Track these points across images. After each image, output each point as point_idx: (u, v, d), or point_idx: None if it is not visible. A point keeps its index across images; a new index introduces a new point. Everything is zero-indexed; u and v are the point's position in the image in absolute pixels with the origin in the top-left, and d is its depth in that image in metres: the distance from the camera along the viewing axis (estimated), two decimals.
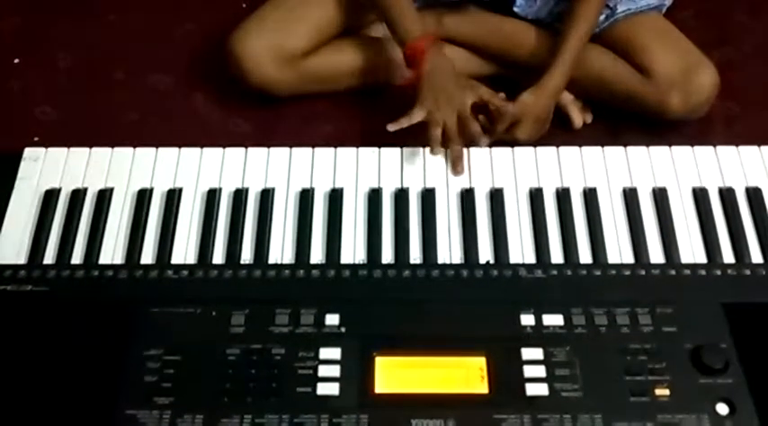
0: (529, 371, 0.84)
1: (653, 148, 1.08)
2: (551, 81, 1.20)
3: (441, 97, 1.13)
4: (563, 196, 1.02)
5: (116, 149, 1.08)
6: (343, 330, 0.87)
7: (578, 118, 1.29)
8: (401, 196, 1.03)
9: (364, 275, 0.93)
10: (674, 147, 1.08)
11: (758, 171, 1.05)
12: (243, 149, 1.08)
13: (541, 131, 1.22)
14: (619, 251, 0.98)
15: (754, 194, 1.02)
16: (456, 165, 1.06)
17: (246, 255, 0.98)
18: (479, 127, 1.11)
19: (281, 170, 1.06)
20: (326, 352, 0.86)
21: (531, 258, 0.97)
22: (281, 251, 0.98)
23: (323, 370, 0.84)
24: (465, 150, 1.08)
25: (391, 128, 1.09)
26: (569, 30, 1.21)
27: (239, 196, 1.03)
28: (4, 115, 1.33)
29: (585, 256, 0.97)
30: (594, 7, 1.21)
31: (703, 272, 0.94)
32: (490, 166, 1.07)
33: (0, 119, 1.32)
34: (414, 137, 1.11)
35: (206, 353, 0.86)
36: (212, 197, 1.03)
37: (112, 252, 0.98)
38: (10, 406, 0.83)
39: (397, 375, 0.85)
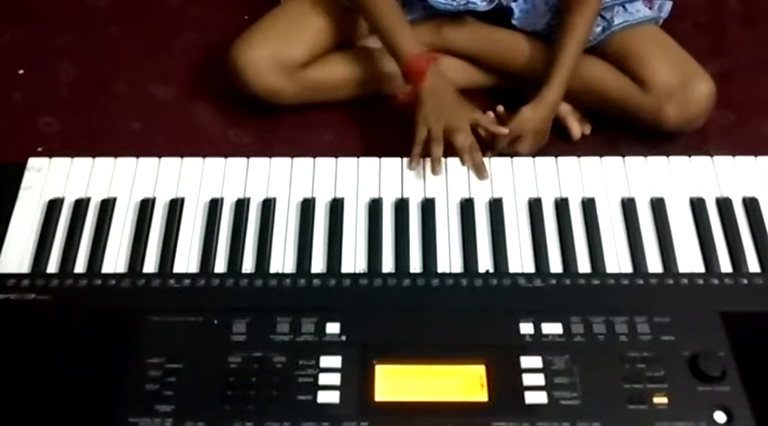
0: (528, 379, 0.85)
1: (651, 159, 1.08)
2: (549, 95, 1.21)
3: (440, 118, 1.13)
4: (562, 206, 1.03)
5: (119, 159, 1.08)
6: (343, 338, 0.88)
7: (577, 129, 1.30)
8: (401, 206, 1.03)
9: (365, 284, 0.94)
10: (671, 158, 1.09)
11: (755, 181, 1.06)
12: (244, 159, 1.09)
13: (541, 143, 1.23)
14: (617, 260, 0.99)
15: (750, 204, 1.03)
16: (434, 168, 1.07)
17: (248, 264, 0.99)
18: (480, 158, 1.10)
19: (282, 180, 1.07)
20: (327, 360, 0.86)
21: (530, 267, 0.98)
22: (283, 260, 0.99)
23: (323, 378, 0.85)
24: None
25: (414, 166, 1.08)
26: (564, 42, 1.22)
27: (241, 205, 1.03)
28: (8, 126, 1.34)
29: (584, 265, 0.98)
30: (588, 19, 1.22)
31: (701, 281, 0.94)
32: (489, 176, 1.07)
33: (4, 129, 1.32)
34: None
35: (207, 361, 0.86)
36: (214, 206, 1.03)
37: (115, 261, 0.99)
38: (13, 414, 0.84)
39: (397, 383, 0.85)
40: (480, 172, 1.07)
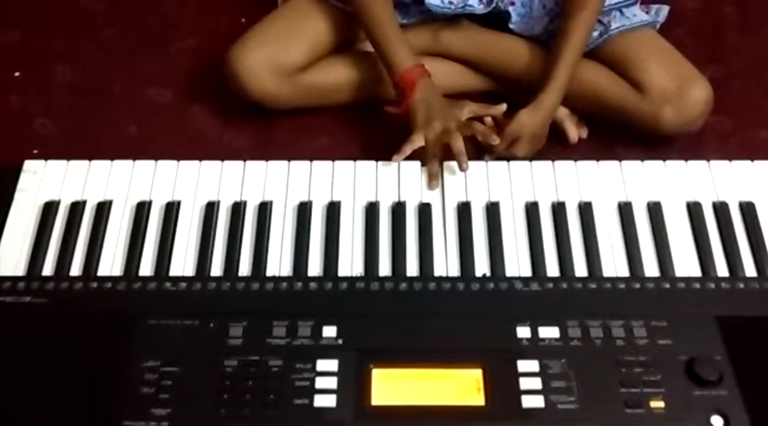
0: (525, 383, 0.85)
1: (647, 163, 1.09)
2: (547, 99, 1.21)
3: (435, 121, 1.14)
4: (558, 210, 1.03)
5: (115, 162, 1.08)
6: (340, 342, 0.88)
7: (574, 132, 1.31)
8: (398, 209, 1.03)
9: (361, 287, 0.93)
10: (668, 162, 1.09)
11: (751, 185, 1.06)
12: (241, 162, 1.09)
13: (538, 147, 1.23)
14: (614, 264, 0.99)
15: (747, 208, 1.03)
16: (432, 180, 1.07)
17: (244, 268, 0.99)
18: (462, 146, 1.11)
19: (279, 183, 1.06)
20: (323, 364, 0.86)
21: (527, 271, 0.98)
22: (279, 263, 0.99)
23: (320, 382, 0.85)
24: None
25: (396, 159, 1.09)
26: (563, 47, 1.22)
27: (237, 209, 1.03)
28: (3, 128, 1.33)
29: (581, 269, 0.98)
30: (586, 24, 1.22)
31: (697, 286, 0.94)
32: (486, 180, 1.07)
33: (0, 131, 1.32)
34: (412, 155, 1.12)
35: (204, 365, 0.86)
36: (211, 209, 1.03)
37: (111, 264, 0.99)
38: (8, 418, 0.84)
39: (393, 387, 0.85)
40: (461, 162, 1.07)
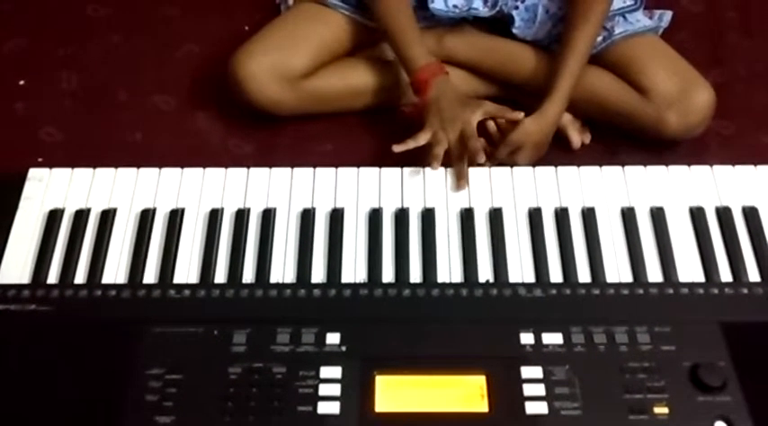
0: (529, 390, 0.85)
1: (650, 168, 1.09)
2: (551, 107, 1.21)
3: (446, 119, 1.15)
4: (561, 215, 1.03)
5: (119, 169, 1.09)
6: (343, 349, 0.88)
7: (577, 138, 1.31)
8: (401, 216, 1.04)
9: (365, 294, 0.94)
10: (671, 167, 1.09)
11: (755, 190, 1.06)
12: (245, 169, 1.09)
13: (540, 155, 1.23)
14: (617, 270, 0.99)
15: (750, 213, 1.03)
16: (459, 181, 1.07)
17: (248, 275, 0.99)
18: (480, 144, 1.13)
19: (282, 190, 1.07)
20: (327, 371, 0.86)
21: (530, 277, 0.98)
22: (283, 270, 0.99)
23: (323, 389, 0.85)
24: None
25: (397, 149, 1.10)
26: (567, 55, 1.22)
27: (241, 216, 1.04)
28: (9, 136, 1.34)
29: (584, 275, 0.98)
30: (590, 34, 1.23)
31: (701, 291, 0.94)
32: (489, 186, 1.08)
33: (5, 139, 1.33)
34: (414, 158, 1.13)
35: (208, 372, 0.86)
36: (214, 217, 1.04)
37: (115, 271, 0.99)
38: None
39: (397, 394, 0.85)
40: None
